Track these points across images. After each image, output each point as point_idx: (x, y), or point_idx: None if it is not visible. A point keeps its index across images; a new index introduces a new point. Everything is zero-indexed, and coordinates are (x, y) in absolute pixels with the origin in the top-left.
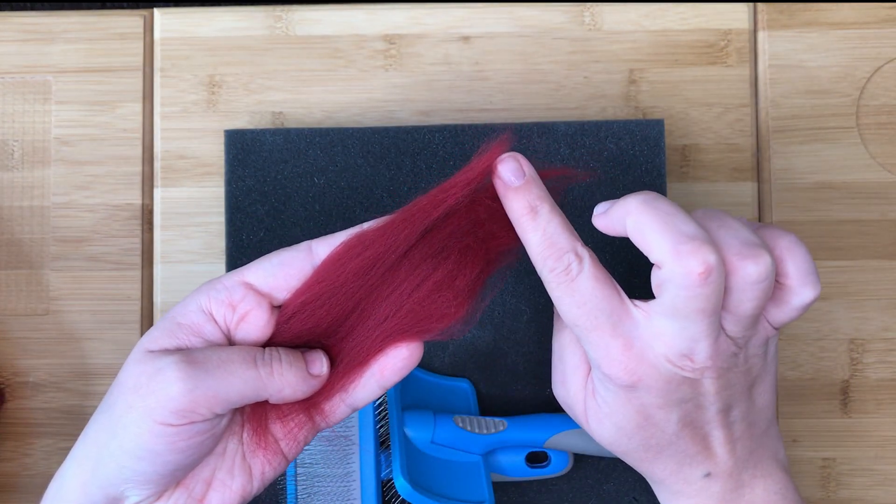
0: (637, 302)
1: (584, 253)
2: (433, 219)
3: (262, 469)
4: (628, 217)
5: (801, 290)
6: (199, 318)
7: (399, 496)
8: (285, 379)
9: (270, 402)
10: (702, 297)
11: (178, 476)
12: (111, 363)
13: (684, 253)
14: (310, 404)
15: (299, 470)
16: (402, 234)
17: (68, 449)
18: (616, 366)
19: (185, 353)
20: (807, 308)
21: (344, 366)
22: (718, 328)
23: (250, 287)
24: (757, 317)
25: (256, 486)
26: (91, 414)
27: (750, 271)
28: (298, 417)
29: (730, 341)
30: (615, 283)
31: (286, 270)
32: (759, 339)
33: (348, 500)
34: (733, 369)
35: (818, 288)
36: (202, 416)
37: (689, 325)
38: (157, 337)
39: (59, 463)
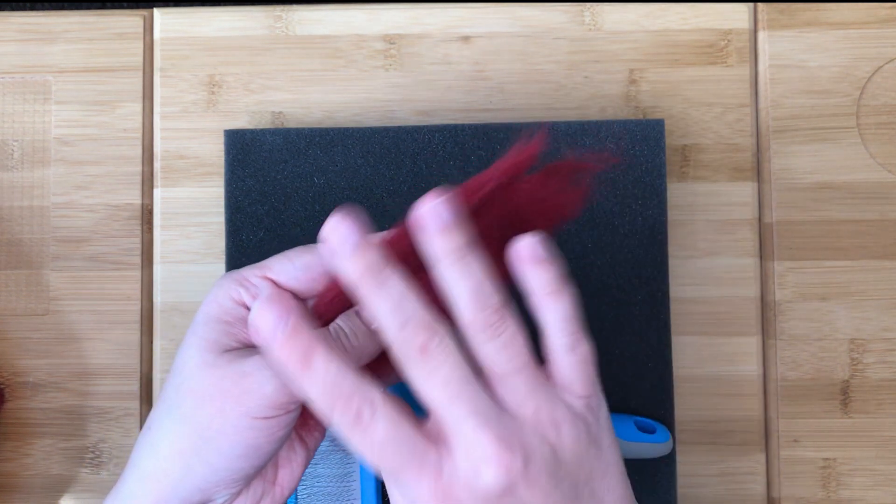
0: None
1: (375, 393)
2: (471, 207)
3: (313, 434)
4: (359, 290)
5: (555, 336)
6: (242, 311)
7: None
8: (358, 348)
9: None
10: (434, 370)
11: (265, 466)
12: (111, 363)
13: (405, 338)
14: None
15: None
16: None
17: (68, 449)
18: (430, 497)
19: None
20: (578, 353)
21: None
22: (493, 411)
23: (275, 284)
24: (522, 375)
25: (311, 453)
26: (91, 414)
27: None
28: None
29: (531, 431)
30: (410, 411)
31: (309, 275)
32: (574, 422)
33: (348, 500)
34: (554, 466)
35: (574, 330)
36: (296, 404)
37: (450, 409)
38: (215, 340)
39: (60, 463)
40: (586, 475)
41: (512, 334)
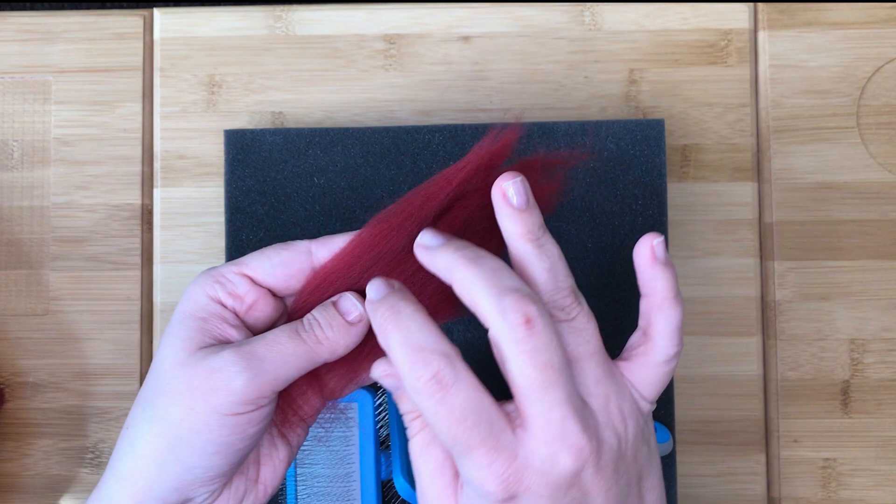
0: (505, 403)
1: (457, 357)
2: (449, 196)
3: (295, 431)
4: (454, 273)
5: (662, 343)
6: (217, 308)
7: (399, 496)
8: (332, 340)
9: (325, 363)
10: (535, 351)
11: (241, 463)
12: (111, 363)
13: (507, 307)
14: (319, 375)
15: (299, 470)
16: (420, 214)
17: (68, 449)
18: (498, 482)
19: (234, 348)
20: (671, 363)
21: (369, 348)
22: (579, 400)
23: (252, 280)
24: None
25: (295, 451)
26: (91, 414)
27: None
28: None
29: (602, 421)
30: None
31: (286, 272)
32: (637, 418)
33: (348, 500)
34: (618, 458)
35: (679, 341)
36: (268, 400)
37: (544, 395)
38: (188, 337)
39: (60, 463)
40: (638, 472)
41: (586, 318)
